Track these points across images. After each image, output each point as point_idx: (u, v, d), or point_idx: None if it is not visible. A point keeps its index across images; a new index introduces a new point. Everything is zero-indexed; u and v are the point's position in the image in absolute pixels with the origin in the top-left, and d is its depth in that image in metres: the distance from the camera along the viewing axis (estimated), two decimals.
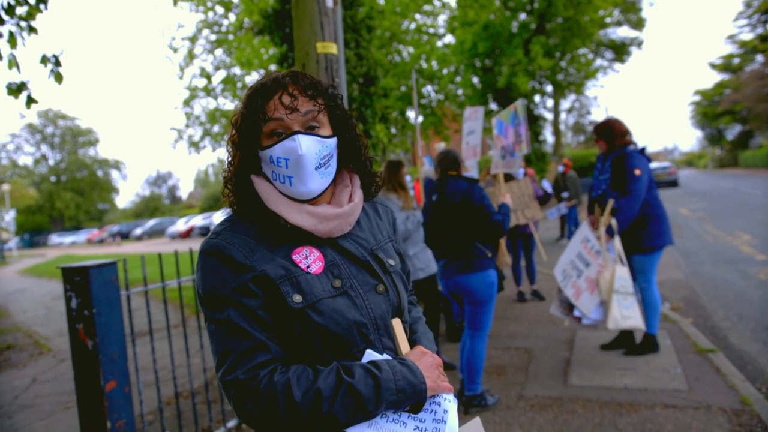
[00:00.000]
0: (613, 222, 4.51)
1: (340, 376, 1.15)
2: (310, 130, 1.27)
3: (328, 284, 1.25)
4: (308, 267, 1.25)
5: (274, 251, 1.25)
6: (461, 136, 4.64)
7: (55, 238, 51.21)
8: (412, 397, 1.20)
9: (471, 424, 1.33)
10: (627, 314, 4.37)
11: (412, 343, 1.40)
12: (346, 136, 1.38)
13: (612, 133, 4.71)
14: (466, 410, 3.90)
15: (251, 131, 1.28)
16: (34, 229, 57.17)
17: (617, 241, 4.52)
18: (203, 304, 1.24)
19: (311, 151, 1.25)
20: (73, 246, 46.03)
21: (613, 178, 4.61)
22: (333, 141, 1.32)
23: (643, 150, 4.67)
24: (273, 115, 1.25)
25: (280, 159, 1.25)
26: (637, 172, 4.44)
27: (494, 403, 3.94)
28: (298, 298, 1.20)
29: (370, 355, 1.24)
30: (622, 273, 4.44)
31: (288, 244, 1.28)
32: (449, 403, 1.26)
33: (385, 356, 1.26)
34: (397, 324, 1.33)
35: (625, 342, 4.83)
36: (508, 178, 6.51)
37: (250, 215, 1.31)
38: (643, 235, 4.55)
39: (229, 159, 1.34)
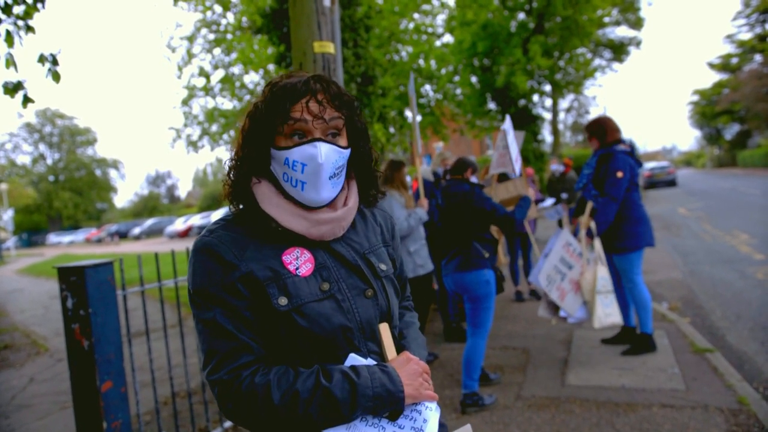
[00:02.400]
0: (592, 224, 4.61)
1: (318, 379, 1.17)
2: (330, 139, 1.27)
3: (315, 287, 1.25)
4: (297, 269, 1.25)
5: (264, 251, 1.26)
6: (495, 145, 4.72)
7: (53, 238, 51.17)
8: (389, 405, 1.21)
9: (462, 430, 1.32)
10: (608, 312, 4.52)
11: (401, 348, 1.39)
12: (361, 148, 1.38)
13: (604, 130, 4.78)
14: (462, 410, 3.90)
15: (268, 128, 1.26)
16: (32, 229, 57.09)
17: (597, 242, 4.64)
18: (192, 302, 1.25)
19: (329, 160, 1.25)
20: (71, 245, 46.00)
21: (596, 173, 4.71)
22: (348, 152, 1.33)
23: (632, 151, 4.72)
24: (299, 118, 1.24)
25: (296, 163, 1.24)
26: (619, 174, 4.50)
27: (491, 403, 3.94)
28: (283, 300, 1.21)
29: (352, 359, 1.24)
30: (603, 273, 4.57)
31: (280, 245, 1.28)
32: (430, 412, 1.26)
33: (369, 361, 1.26)
34: (384, 329, 1.32)
35: (626, 337, 4.86)
36: (504, 177, 6.49)
37: (245, 213, 1.31)
38: (617, 236, 4.64)
39: (237, 150, 1.32)
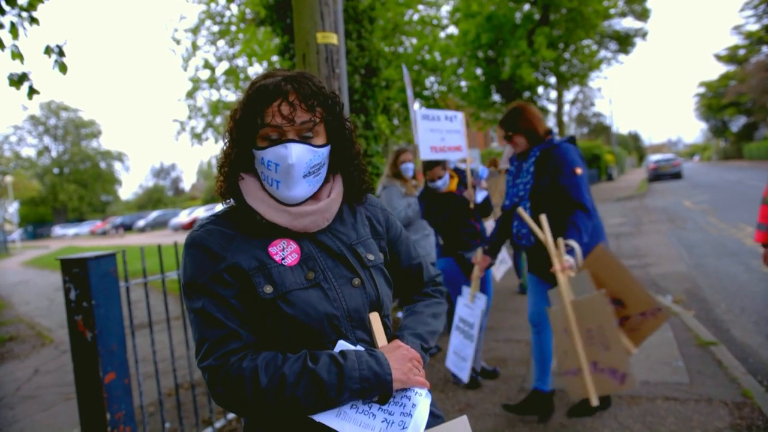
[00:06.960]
0: (575, 246, 2.97)
1: (305, 363, 1.19)
2: (304, 139, 1.30)
3: (301, 276, 1.29)
4: (283, 259, 1.30)
5: (251, 243, 1.30)
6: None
7: (58, 230, 51.32)
8: (377, 388, 1.22)
9: (457, 421, 1.31)
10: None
11: (393, 339, 1.41)
12: (342, 145, 1.40)
13: (531, 122, 3.40)
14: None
15: (248, 130, 1.31)
16: (37, 221, 57.30)
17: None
18: (184, 294, 1.30)
19: (302, 160, 1.28)
20: (76, 238, 46.14)
21: (539, 177, 3.32)
22: (326, 150, 1.35)
23: (572, 138, 3.44)
24: (270, 121, 1.27)
25: (270, 162, 1.28)
26: (578, 171, 3.20)
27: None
28: (269, 288, 1.25)
29: (341, 345, 1.27)
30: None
31: (266, 237, 1.32)
32: (419, 398, 1.28)
33: (359, 347, 1.28)
34: (374, 318, 1.35)
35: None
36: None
37: (235, 208, 1.36)
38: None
39: (225, 149, 1.37)
